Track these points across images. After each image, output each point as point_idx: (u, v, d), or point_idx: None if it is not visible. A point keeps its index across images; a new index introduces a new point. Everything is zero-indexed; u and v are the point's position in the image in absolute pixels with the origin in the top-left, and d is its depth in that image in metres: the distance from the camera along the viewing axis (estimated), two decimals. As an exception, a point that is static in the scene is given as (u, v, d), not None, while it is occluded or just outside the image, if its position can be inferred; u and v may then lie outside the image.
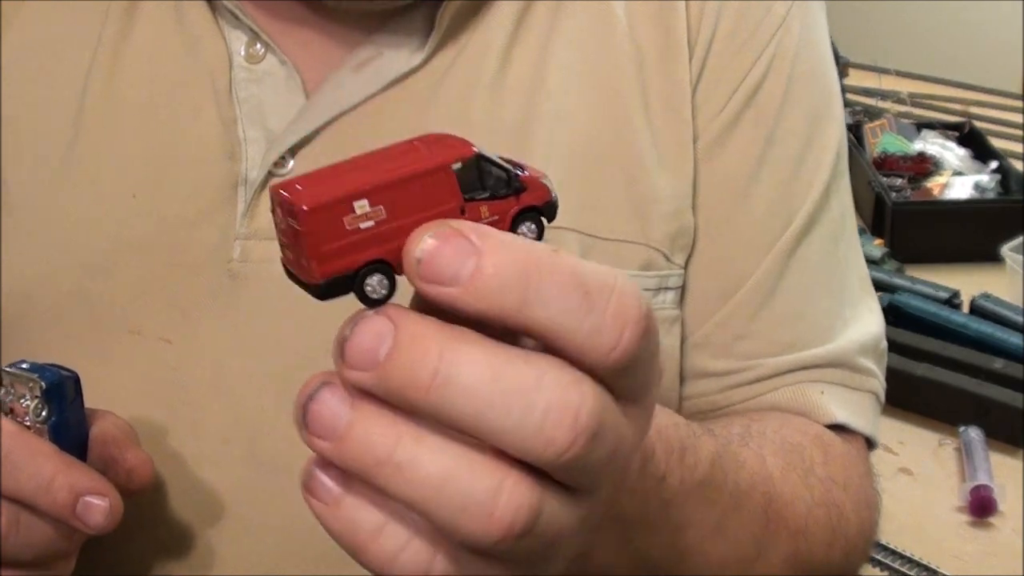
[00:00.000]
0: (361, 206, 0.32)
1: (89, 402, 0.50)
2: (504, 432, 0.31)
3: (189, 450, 0.57)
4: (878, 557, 0.94)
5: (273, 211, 0.34)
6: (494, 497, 0.31)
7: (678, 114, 0.59)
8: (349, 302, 0.33)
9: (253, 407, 0.56)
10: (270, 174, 0.56)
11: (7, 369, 0.47)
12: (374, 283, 0.33)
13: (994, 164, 1.62)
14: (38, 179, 0.58)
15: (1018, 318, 1.21)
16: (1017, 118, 2.01)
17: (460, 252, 0.30)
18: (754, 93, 0.61)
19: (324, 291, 0.33)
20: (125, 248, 0.57)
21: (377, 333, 0.31)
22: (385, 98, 0.57)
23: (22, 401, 0.46)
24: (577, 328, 0.31)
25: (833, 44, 2.32)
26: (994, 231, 1.38)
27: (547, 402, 0.31)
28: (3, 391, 0.46)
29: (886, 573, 0.93)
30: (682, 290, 0.61)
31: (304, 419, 0.32)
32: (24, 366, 0.47)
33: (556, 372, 0.31)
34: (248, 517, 0.56)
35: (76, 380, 0.48)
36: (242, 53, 0.58)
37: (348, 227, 0.32)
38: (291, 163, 0.57)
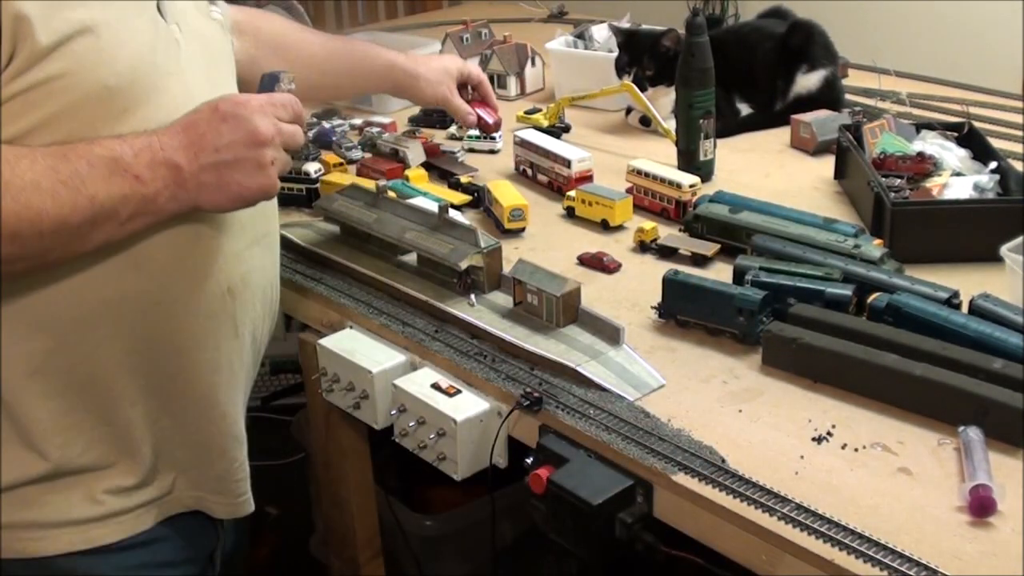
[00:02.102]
0: None
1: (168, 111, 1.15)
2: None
3: None
4: (878, 556, 0.94)
5: None
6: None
7: None
8: None
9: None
10: None
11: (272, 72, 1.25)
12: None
13: (993, 164, 1.62)
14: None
15: (1018, 318, 1.21)
16: (1017, 118, 2.01)
17: None
18: None
19: None
20: (150, 43, 1.16)
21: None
22: None
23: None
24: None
25: (832, 44, 2.34)
26: (993, 231, 1.38)
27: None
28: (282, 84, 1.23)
29: (886, 573, 0.93)
30: None
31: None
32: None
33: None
34: None
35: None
36: None
37: None
38: None
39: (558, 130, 2.06)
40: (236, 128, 1.10)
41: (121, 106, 1.10)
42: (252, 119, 1.11)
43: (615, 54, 2.12)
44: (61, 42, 1.04)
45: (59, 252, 1.06)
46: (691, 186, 1.66)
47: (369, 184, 1.67)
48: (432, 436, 1.28)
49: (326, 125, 2.11)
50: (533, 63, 2.39)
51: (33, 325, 1.11)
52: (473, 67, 1.89)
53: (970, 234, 1.46)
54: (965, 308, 1.27)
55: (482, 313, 1.39)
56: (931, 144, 1.69)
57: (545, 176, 1.83)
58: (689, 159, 1.82)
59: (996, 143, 1.75)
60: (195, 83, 1.20)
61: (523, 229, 1.66)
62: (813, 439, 1.12)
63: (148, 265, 1.15)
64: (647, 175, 1.70)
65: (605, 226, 1.66)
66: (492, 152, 2.01)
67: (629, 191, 1.72)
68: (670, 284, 1.35)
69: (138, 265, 1.14)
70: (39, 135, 1.05)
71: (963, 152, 1.68)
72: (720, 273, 1.45)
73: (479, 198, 1.76)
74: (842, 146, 1.76)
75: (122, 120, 1.10)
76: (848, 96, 2.13)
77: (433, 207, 1.52)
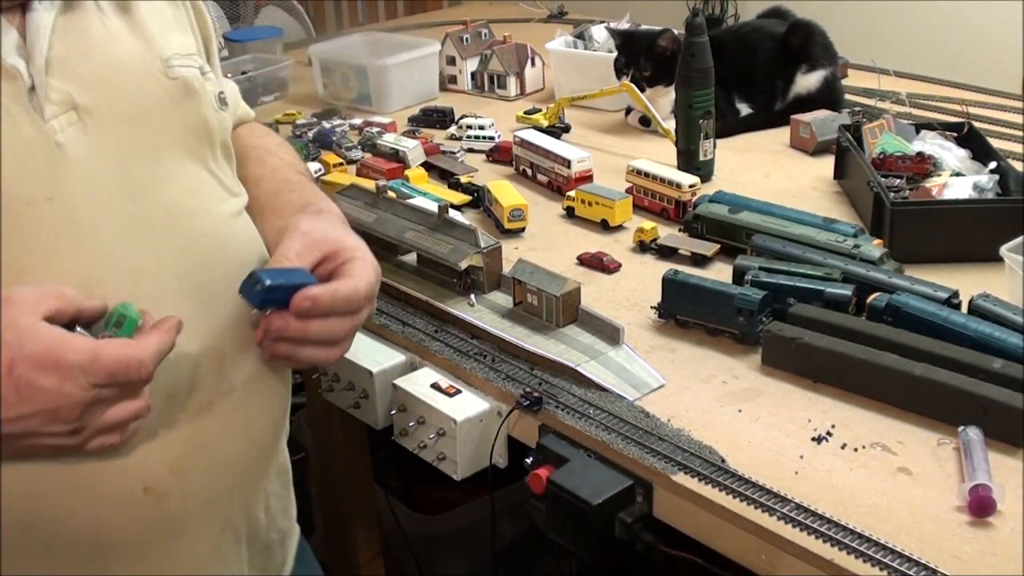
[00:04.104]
0: None
1: (28, 251, 0.85)
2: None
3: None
4: (878, 556, 0.94)
5: None
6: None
7: None
8: None
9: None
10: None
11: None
12: None
13: (993, 164, 1.62)
14: None
15: (1017, 318, 1.21)
16: (1016, 118, 2.01)
17: None
18: None
19: None
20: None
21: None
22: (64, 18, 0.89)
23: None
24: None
25: (832, 44, 2.34)
26: (993, 231, 1.38)
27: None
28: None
29: (885, 573, 0.93)
30: None
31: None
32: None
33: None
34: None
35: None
36: None
37: None
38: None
39: (558, 130, 2.06)
40: (30, 400, 0.77)
41: None
42: (58, 394, 0.77)
43: (615, 54, 2.12)
44: None
45: None
46: (691, 186, 1.66)
47: (369, 184, 1.67)
48: (432, 436, 1.28)
49: (326, 125, 2.11)
50: (533, 63, 2.39)
51: None
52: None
53: (970, 234, 1.46)
54: (965, 308, 1.27)
55: (482, 313, 1.39)
56: (931, 144, 1.69)
57: (545, 176, 1.83)
58: (689, 159, 1.82)
59: (996, 143, 1.75)
60: (94, 206, 0.88)
61: (523, 229, 1.66)
62: (813, 439, 1.12)
63: None
64: (647, 175, 1.70)
65: (605, 226, 1.66)
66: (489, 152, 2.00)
67: (629, 191, 1.72)
68: (670, 284, 1.35)
69: None
70: None
71: (963, 152, 1.68)
72: (720, 273, 1.45)
73: (479, 198, 1.76)
74: (842, 146, 1.76)
75: None
76: (848, 96, 2.13)
77: (433, 207, 1.52)
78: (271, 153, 1.17)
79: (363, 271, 0.98)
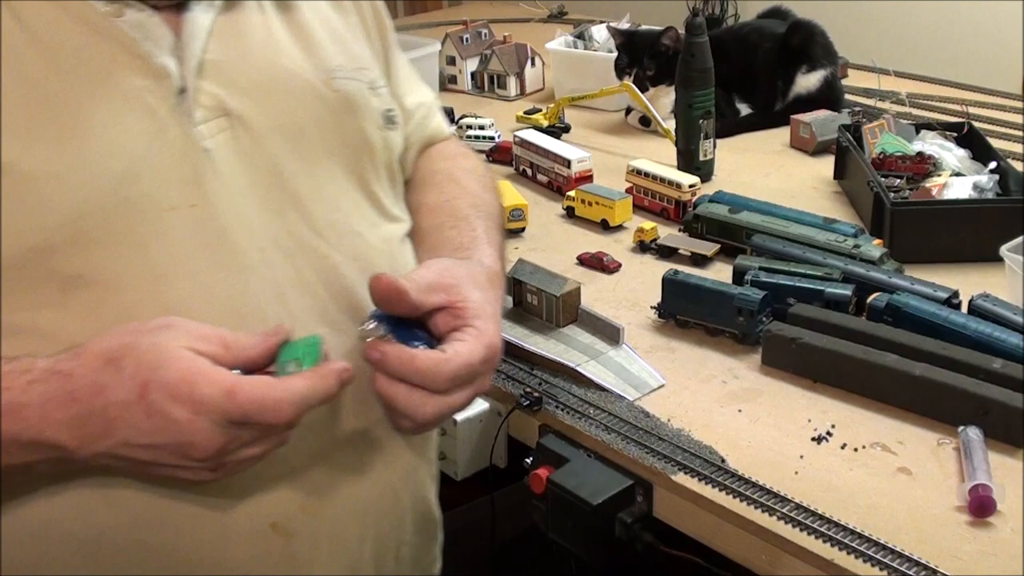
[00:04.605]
0: None
1: (169, 257, 0.80)
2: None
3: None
4: (878, 556, 0.94)
5: None
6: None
7: None
8: None
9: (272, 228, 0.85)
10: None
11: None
12: None
13: (993, 164, 1.62)
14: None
15: (1017, 318, 1.21)
16: (1016, 118, 2.01)
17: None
18: None
19: None
20: (138, 160, 0.79)
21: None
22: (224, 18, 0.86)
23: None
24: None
25: (832, 44, 2.34)
26: (993, 231, 1.38)
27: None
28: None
29: (885, 573, 0.93)
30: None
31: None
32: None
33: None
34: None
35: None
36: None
37: None
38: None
39: (558, 130, 2.06)
40: (162, 430, 0.72)
41: (63, 272, 0.76)
42: (190, 428, 0.72)
43: (615, 54, 2.12)
44: None
45: None
46: (691, 186, 1.66)
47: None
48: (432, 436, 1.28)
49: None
50: (533, 63, 2.40)
51: None
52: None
53: (970, 234, 1.46)
54: (965, 308, 1.27)
55: (482, 313, 1.39)
56: (931, 144, 1.69)
57: (545, 176, 1.83)
58: (689, 159, 1.82)
59: (996, 143, 1.75)
60: (240, 218, 0.83)
61: (523, 229, 1.66)
62: (813, 439, 1.12)
63: (123, 495, 0.80)
64: (647, 175, 1.70)
65: (605, 226, 1.66)
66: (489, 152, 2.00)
67: (629, 191, 1.72)
68: (670, 284, 1.35)
69: (110, 497, 0.80)
70: None
71: (963, 152, 1.68)
72: (720, 273, 1.45)
73: (479, 198, 1.76)
74: (842, 146, 1.76)
75: (68, 298, 0.77)
76: (848, 96, 2.13)
77: (433, 207, 1.52)
78: (453, 180, 1.07)
79: (467, 348, 0.84)
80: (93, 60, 0.79)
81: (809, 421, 1.15)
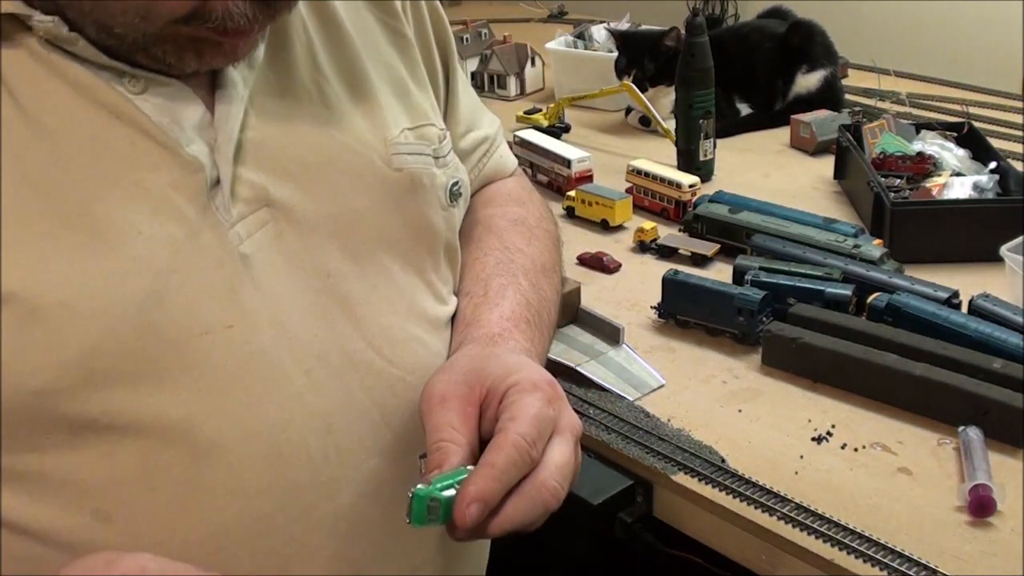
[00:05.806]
0: None
1: (198, 392, 0.68)
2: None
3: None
4: (878, 556, 0.94)
5: None
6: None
7: None
8: None
9: (319, 338, 0.73)
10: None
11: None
12: None
13: (993, 164, 1.62)
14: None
15: (1017, 318, 1.21)
16: (1016, 118, 2.01)
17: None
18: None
19: None
20: (164, 277, 0.66)
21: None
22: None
23: None
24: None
25: (833, 44, 2.34)
26: (993, 231, 1.38)
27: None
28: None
29: (885, 573, 0.93)
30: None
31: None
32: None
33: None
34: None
35: None
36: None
37: None
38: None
39: (558, 130, 2.05)
40: None
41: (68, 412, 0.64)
42: None
43: (615, 54, 2.12)
44: None
45: None
46: (691, 186, 1.66)
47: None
48: (432, 436, 1.28)
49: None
50: (533, 63, 2.39)
51: None
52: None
53: (970, 234, 1.46)
54: (965, 308, 1.27)
55: (482, 313, 1.39)
56: (931, 144, 1.69)
57: (545, 176, 1.83)
58: (689, 159, 1.82)
59: (996, 143, 1.75)
60: (283, 333, 0.70)
61: (523, 229, 1.66)
62: (813, 439, 1.12)
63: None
64: (647, 175, 1.70)
65: (605, 226, 1.66)
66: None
67: (629, 191, 1.72)
68: (670, 284, 1.35)
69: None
70: None
71: (963, 152, 1.67)
72: (720, 273, 1.45)
73: (479, 198, 1.76)
74: (842, 146, 1.76)
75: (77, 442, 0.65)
76: (848, 96, 2.13)
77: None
78: (491, 232, 0.93)
79: (520, 409, 0.68)
80: (110, 153, 0.65)
81: (809, 421, 1.15)
